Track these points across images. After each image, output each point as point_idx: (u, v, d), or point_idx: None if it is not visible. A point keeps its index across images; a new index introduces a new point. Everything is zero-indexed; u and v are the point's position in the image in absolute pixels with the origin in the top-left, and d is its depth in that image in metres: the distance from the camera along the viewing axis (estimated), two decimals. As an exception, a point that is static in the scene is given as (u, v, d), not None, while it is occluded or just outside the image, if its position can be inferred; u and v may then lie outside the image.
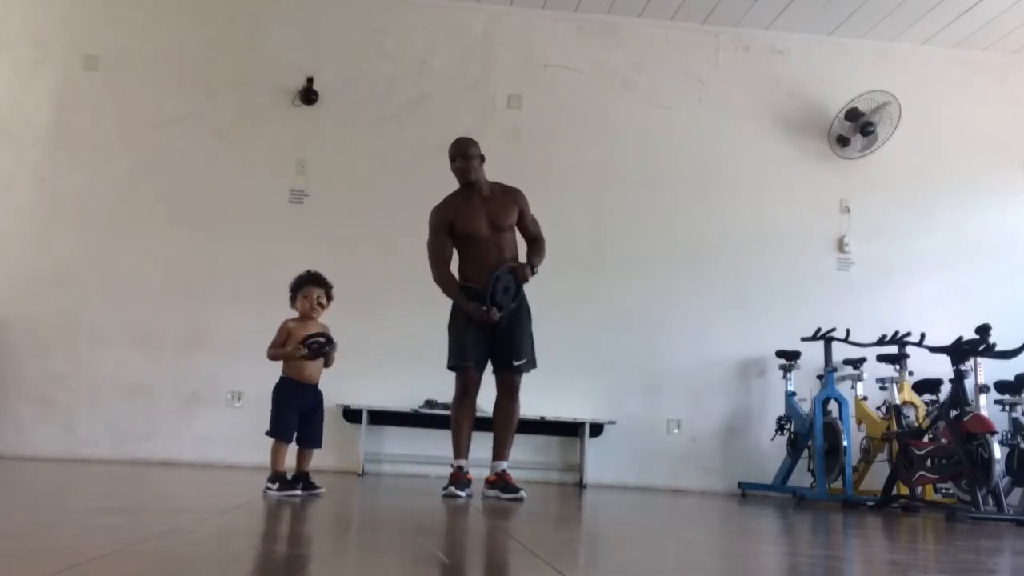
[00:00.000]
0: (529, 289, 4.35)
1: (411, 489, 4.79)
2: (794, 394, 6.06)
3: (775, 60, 6.79)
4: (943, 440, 4.96)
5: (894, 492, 5.26)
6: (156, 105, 6.28)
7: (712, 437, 6.32)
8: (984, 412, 5.11)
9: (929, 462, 4.94)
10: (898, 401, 5.55)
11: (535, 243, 4.44)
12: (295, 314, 4.01)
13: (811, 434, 5.64)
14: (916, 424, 5.39)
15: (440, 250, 4.33)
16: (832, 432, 5.61)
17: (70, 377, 5.95)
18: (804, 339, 5.90)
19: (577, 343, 6.17)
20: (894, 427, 5.43)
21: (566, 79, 6.61)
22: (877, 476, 5.66)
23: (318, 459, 4.07)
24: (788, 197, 6.65)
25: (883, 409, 5.74)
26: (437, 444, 5.32)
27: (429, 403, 5.85)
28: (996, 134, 6.79)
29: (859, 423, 5.82)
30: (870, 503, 5.28)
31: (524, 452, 5.68)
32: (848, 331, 5.71)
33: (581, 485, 5.96)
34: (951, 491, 5.26)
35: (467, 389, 4.26)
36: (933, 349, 5.14)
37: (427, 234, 4.37)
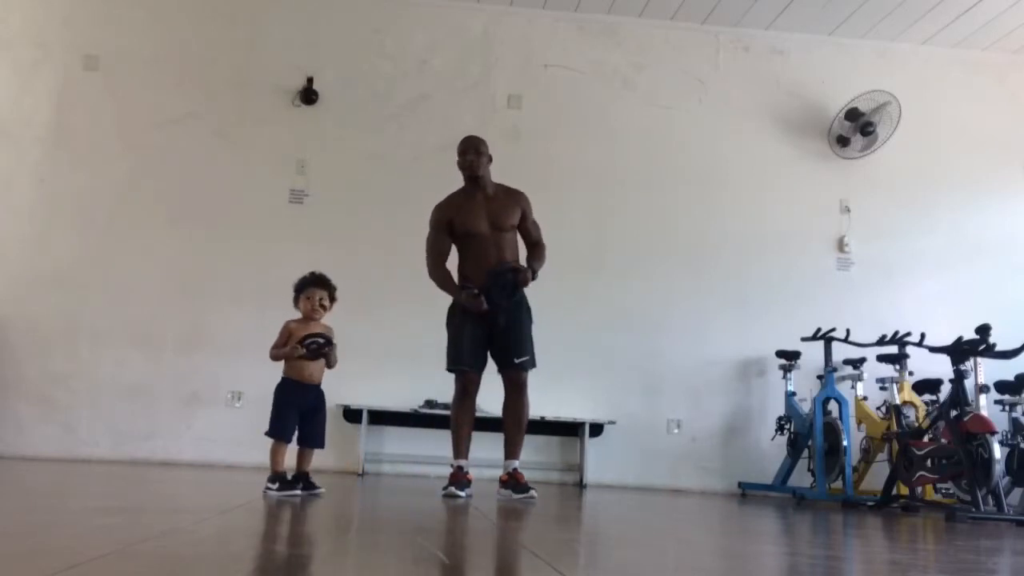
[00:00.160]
0: (529, 289, 4.35)
1: (411, 489, 4.79)
2: (794, 394, 6.06)
3: (775, 60, 6.79)
4: (943, 440, 4.96)
5: (894, 492, 5.26)
6: (156, 105, 6.28)
7: (712, 437, 6.32)
8: (984, 412, 5.11)
9: (929, 462, 4.94)
10: (898, 401, 5.54)
11: (536, 248, 4.45)
12: (298, 315, 4.01)
13: (811, 434, 5.64)
14: (916, 424, 5.39)
15: (437, 246, 4.37)
16: (832, 432, 5.61)
17: (70, 377, 5.95)
18: (804, 339, 5.90)
19: (577, 343, 6.17)
20: (894, 427, 5.43)
21: (566, 79, 6.61)
22: (877, 476, 5.66)
23: (318, 459, 4.07)
24: (788, 197, 6.65)
25: (883, 409, 5.74)
26: (437, 444, 5.32)
27: (429, 403, 5.85)
28: (996, 134, 6.79)
29: (859, 423, 5.82)
30: (870, 503, 5.28)
31: (524, 452, 5.60)
32: (848, 331, 5.71)
33: (581, 485, 5.96)
34: (951, 491, 5.26)
35: (467, 389, 4.26)
36: (933, 349, 5.14)
37: (428, 232, 4.40)
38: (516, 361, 4.24)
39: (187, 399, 5.99)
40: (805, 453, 5.80)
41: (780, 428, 6.01)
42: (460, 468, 4.21)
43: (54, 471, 4.87)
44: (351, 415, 5.88)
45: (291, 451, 3.92)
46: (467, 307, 4.19)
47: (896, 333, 5.63)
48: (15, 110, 6.23)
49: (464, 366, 4.22)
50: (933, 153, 6.75)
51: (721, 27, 6.72)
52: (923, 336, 5.30)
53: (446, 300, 4.35)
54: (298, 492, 3.82)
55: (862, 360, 5.91)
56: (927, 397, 5.40)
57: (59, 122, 6.23)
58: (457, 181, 4.44)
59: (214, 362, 6.00)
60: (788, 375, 6.09)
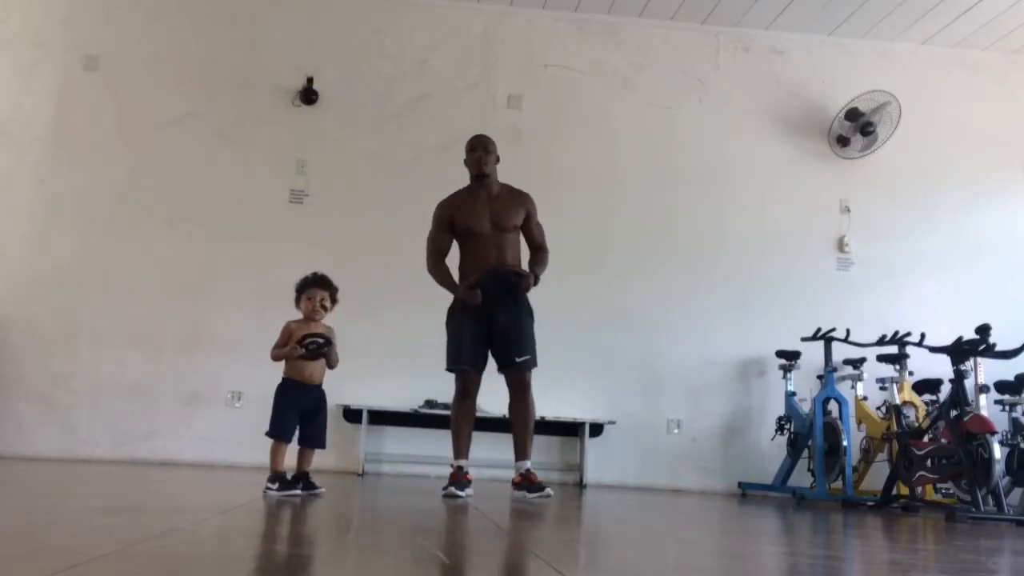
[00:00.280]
0: (530, 290, 4.35)
1: (411, 489, 4.79)
2: (794, 394, 6.06)
3: (775, 60, 6.79)
4: (943, 440, 4.96)
5: (894, 492, 5.26)
6: (156, 105, 6.28)
7: (712, 437, 6.32)
8: (984, 412, 5.11)
9: (929, 462, 4.94)
10: (898, 401, 5.54)
11: (539, 251, 4.44)
12: (299, 315, 4.01)
13: (811, 434, 5.64)
14: (916, 424, 5.39)
15: (437, 243, 4.39)
16: (832, 432, 5.61)
17: (70, 377, 5.95)
18: (804, 339, 5.90)
19: (577, 343, 6.17)
20: (894, 427, 5.43)
21: (566, 79, 6.61)
22: (877, 476, 5.66)
23: (318, 459, 4.07)
24: (788, 197, 6.65)
25: (883, 409, 5.74)
26: (437, 444, 5.32)
27: (429, 403, 5.85)
28: (996, 134, 6.79)
29: (859, 423, 5.82)
30: (870, 503, 5.28)
31: (524, 452, 5.67)
32: (848, 331, 5.71)
33: (581, 485, 5.96)
34: (951, 491, 5.26)
35: (467, 389, 4.26)
36: (933, 349, 5.14)
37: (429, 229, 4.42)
38: (517, 360, 4.24)
39: (187, 399, 5.99)
40: (805, 453, 5.80)
41: (780, 428, 6.01)
42: (460, 468, 4.21)
43: (54, 471, 4.87)
44: (351, 415, 5.88)
45: (291, 451, 3.92)
46: (463, 300, 4.19)
47: (896, 333, 5.63)
48: (15, 110, 6.23)
49: (464, 366, 4.22)
50: (933, 153, 6.75)
51: (721, 27, 6.71)
52: (923, 336, 5.30)
53: (446, 300, 4.35)
54: (298, 492, 3.82)
55: (862, 360, 5.91)
56: (927, 397, 5.40)
57: (59, 122, 6.23)
58: (458, 181, 4.45)
59: (214, 362, 6.00)
60: (788, 375, 6.09)
